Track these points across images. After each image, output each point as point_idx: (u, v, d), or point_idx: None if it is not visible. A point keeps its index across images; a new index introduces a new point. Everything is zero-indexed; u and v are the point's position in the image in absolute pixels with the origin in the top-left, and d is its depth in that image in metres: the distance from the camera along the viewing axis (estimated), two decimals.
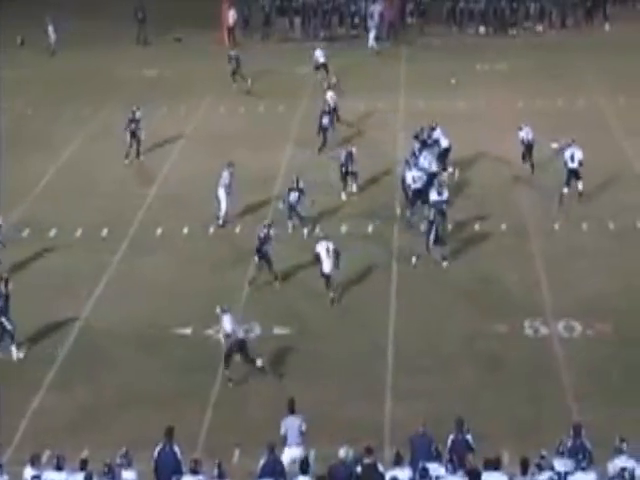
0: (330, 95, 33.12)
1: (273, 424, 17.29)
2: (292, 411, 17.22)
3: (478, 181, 29.21)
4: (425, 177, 26.82)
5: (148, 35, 45.03)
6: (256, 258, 23.70)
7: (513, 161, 30.02)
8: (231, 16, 45.19)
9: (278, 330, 21.88)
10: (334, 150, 30.40)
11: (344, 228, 26.46)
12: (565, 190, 27.24)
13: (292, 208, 26.27)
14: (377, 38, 43.22)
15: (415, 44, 44.00)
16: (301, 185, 26.35)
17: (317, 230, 25.76)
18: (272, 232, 24.04)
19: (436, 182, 26.47)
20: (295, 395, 19.22)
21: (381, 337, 21.48)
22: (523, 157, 29.33)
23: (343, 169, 28.34)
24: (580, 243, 25.43)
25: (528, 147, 29.17)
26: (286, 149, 32.04)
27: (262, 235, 23.69)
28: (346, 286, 23.57)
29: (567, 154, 27.41)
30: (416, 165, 27.13)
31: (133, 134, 31.02)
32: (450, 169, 28.92)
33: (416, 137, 28.84)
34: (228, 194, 26.82)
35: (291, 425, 16.99)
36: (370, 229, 26.42)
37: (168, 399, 19.56)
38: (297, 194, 26.25)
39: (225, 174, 27.02)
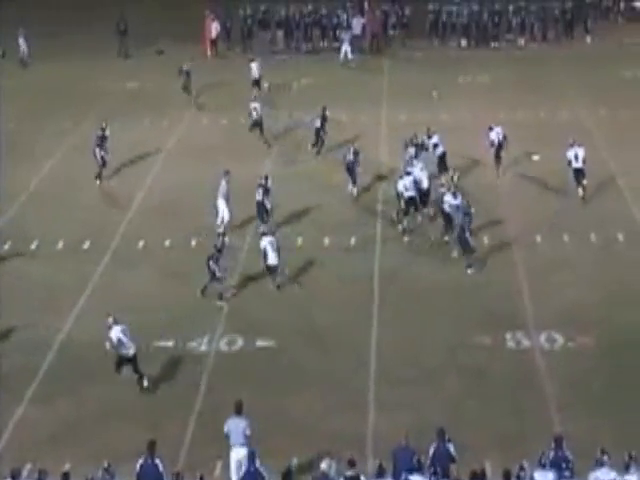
0: (254, 106, 33.17)
1: (255, 436, 17.25)
2: (238, 412, 17.35)
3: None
4: (422, 183, 27.05)
5: (129, 48, 44.99)
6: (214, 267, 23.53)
7: (493, 175, 30.14)
8: (214, 28, 45.26)
9: (261, 342, 21.86)
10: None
11: (327, 241, 26.47)
12: (580, 191, 27.96)
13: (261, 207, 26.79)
14: (352, 50, 43.32)
15: (397, 57, 44.11)
16: (269, 184, 26.97)
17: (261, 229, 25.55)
18: (227, 240, 24.28)
19: (445, 186, 26.51)
20: (278, 407, 19.31)
21: (364, 349, 21.48)
22: (496, 157, 30.22)
23: (349, 166, 28.91)
24: (562, 255, 25.51)
25: (499, 147, 30.13)
26: (268, 160, 32.04)
27: (218, 244, 23.83)
28: (329, 299, 23.57)
29: (570, 154, 28.19)
30: (408, 174, 27.11)
31: (102, 154, 30.44)
32: (451, 171, 28.65)
33: (411, 142, 29.05)
34: (227, 203, 26.77)
35: (235, 427, 17.18)
36: (352, 241, 26.44)
37: (150, 412, 19.50)
38: (262, 190, 26.77)
39: (223, 183, 27.03)
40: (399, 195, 26.92)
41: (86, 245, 26.50)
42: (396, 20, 46.67)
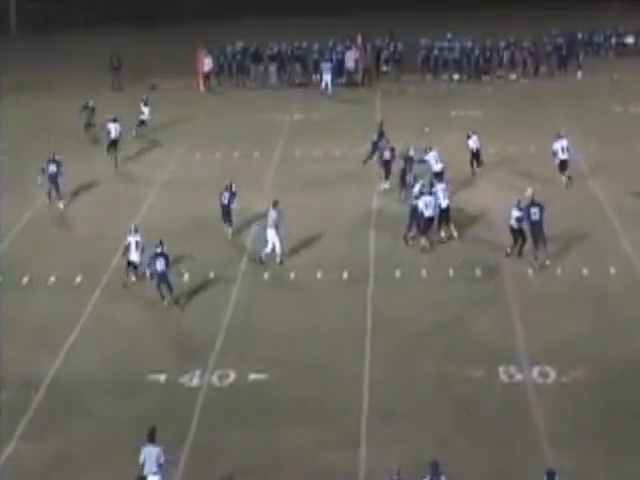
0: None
1: (248, 472, 17.17)
2: (152, 440, 17.53)
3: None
4: (437, 202, 27.71)
5: (123, 82, 45.18)
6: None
7: (485, 207, 30.23)
8: (206, 63, 45.51)
9: (253, 376, 21.78)
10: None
11: (319, 274, 26.47)
12: (564, 178, 31.32)
13: (225, 209, 28.60)
14: (332, 82, 43.89)
15: (390, 91, 44.34)
16: (234, 189, 28.75)
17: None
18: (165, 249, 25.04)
19: (516, 202, 26.98)
20: (271, 442, 19.21)
21: (356, 383, 21.41)
22: (471, 164, 32.67)
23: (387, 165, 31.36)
24: (554, 288, 25.52)
25: (475, 154, 32.76)
26: (261, 194, 32.10)
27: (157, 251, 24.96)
28: (322, 333, 23.54)
29: (557, 146, 31.29)
30: (431, 193, 27.67)
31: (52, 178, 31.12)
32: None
33: (402, 156, 30.88)
34: (277, 232, 27.00)
35: (149, 454, 17.40)
36: (345, 275, 26.43)
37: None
38: (228, 194, 28.54)
39: (272, 214, 27.14)
40: (415, 211, 27.49)
41: (78, 279, 26.46)
42: (389, 55, 46.98)
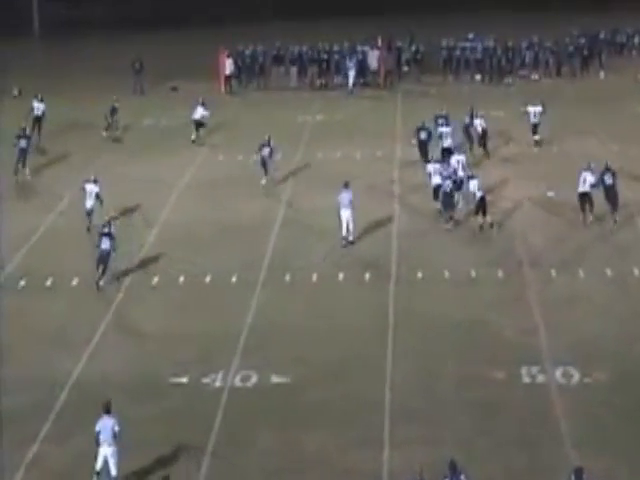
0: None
1: (271, 474, 17.17)
2: (107, 412, 18.27)
3: (473, 228, 29.29)
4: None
5: (145, 85, 45.35)
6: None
7: (509, 209, 30.18)
8: (228, 65, 45.63)
9: (276, 378, 21.78)
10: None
11: (341, 276, 26.47)
12: (536, 137, 35.49)
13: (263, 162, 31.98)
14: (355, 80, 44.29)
15: (411, 92, 44.30)
16: (272, 143, 32.06)
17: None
18: (113, 229, 26.26)
19: (586, 166, 28.89)
20: (294, 443, 19.20)
21: (378, 384, 21.37)
22: (479, 144, 34.54)
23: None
24: (577, 289, 25.42)
25: (483, 134, 34.48)
26: (283, 196, 32.16)
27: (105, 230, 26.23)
28: (344, 334, 23.53)
29: (531, 109, 35.64)
30: (472, 177, 29.11)
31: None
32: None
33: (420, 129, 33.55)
34: (351, 211, 27.78)
35: (105, 425, 18.08)
36: (367, 277, 26.42)
37: (164, 449, 19.38)
38: (269, 149, 31.95)
39: (346, 194, 27.88)
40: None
41: (101, 282, 26.53)
42: (410, 56, 46.94)
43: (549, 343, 22.80)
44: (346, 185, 28.39)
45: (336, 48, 46.65)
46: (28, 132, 34.63)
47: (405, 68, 47.09)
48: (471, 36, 47.39)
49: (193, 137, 37.48)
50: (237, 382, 21.67)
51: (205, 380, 21.69)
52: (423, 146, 33.56)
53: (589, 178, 28.63)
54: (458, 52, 46.64)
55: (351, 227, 28.00)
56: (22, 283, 26.62)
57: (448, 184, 29.17)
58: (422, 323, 23.89)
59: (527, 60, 46.53)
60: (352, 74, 44.52)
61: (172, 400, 21.02)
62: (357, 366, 22.16)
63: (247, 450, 19.36)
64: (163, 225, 30.39)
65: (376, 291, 25.66)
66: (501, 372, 21.63)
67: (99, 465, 18.06)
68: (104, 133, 38.29)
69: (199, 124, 37.55)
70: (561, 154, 34.76)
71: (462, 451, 18.54)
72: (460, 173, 30.11)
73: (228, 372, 21.97)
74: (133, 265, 27.46)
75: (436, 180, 29.83)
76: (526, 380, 21.42)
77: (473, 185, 28.91)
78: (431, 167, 30.36)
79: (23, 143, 33.75)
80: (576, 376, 21.45)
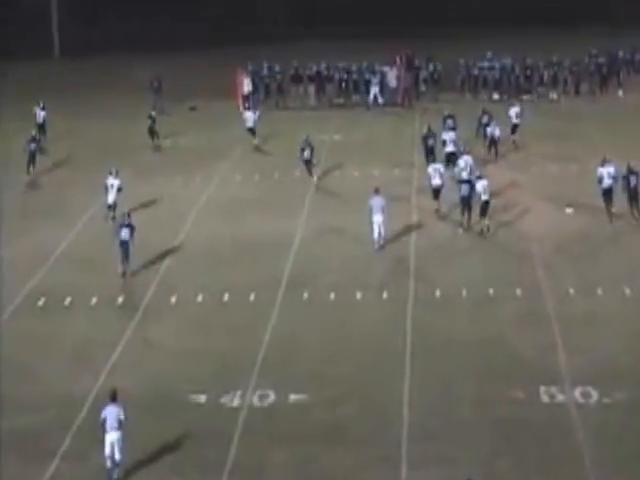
0: None
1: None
2: (114, 400, 19.07)
3: (491, 245, 29.28)
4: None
5: (164, 104, 45.57)
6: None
7: (527, 226, 30.15)
8: (246, 84, 45.80)
9: (294, 396, 21.77)
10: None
11: (359, 294, 26.47)
12: (514, 137, 37.56)
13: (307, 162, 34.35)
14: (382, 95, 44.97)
15: (429, 111, 44.32)
16: (313, 143, 34.28)
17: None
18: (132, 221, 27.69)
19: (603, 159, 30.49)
20: (311, 461, 19.17)
21: (396, 403, 21.34)
22: (489, 149, 36.23)
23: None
24: (596, 308, 25.33)
25: (493, 141, 36.16)
26: (301, 215, 32.22)
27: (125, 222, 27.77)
28: (362, 353, 23.51)
29: (512, 112, 37.75)
30: (480, 177, 29.91)
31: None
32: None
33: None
34: (383, 217, 28.70)
35: (110, 413, 18.86)
36: (385, 295, 26.41)
37: (182, 467, 19.43)
38: (309, 150, 34.15)
39: (378, 200, 28.81)
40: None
41: (119, 300, 26.65)
42: (428, 75, 47.00)
43: (568, 362, 22.70)
44: (377, 191, 29.31)
45: (354, 67, 46.77)
46: (37, 136, 37.31)
47: (422, 87, 47.15)
48: (489, 55, 47.42)
49: (256, 142, 39.15)
50: (255, 400, 21.68)
51: (223, 398, 21.70)
52: (430, 152, 34.72)
53: (607, 171, 29.80)
54: (476, 71, 46.67)
55: (382, 232, 28.77)
56: (41, 302, 26.74)
57: (466, 188, 29.79)
58: (440, 342, 23.84)
59: (545, 79, 46.49)
60: (375, 90, 44.86)
61: (190, 418, 21.04)
62: (375, 385, 22.13)
63: (265, 468, 19.34)
64: (182, 243, 30.47)
65: (394, 310, 25.63)
66: (520, 391, 21.55)
67: (107, 451, 18.80)
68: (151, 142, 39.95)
69: (252, 130, 39.20)
70: (580, 173, 34.68)
71: (480, 471, 18.50)
72: (464, 175, 31.02)
73: (246, 390, 21.97)
74: (152, 283, 27.55)
75: (436, 181, 30.91)
76: (545, 399, 21.33)
77: (481, 186, 29.42)
78: (432, 168, 31.41)
79: (32, 147, 36.42)
80: (595, 396, 21.35)
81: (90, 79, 52.92)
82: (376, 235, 28.77)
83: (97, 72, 54.41)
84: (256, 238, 30.07)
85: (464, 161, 31.77)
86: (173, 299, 26.62)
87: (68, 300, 26.74)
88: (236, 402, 21.62)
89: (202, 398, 21.80)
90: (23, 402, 21.73)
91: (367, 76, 46.07)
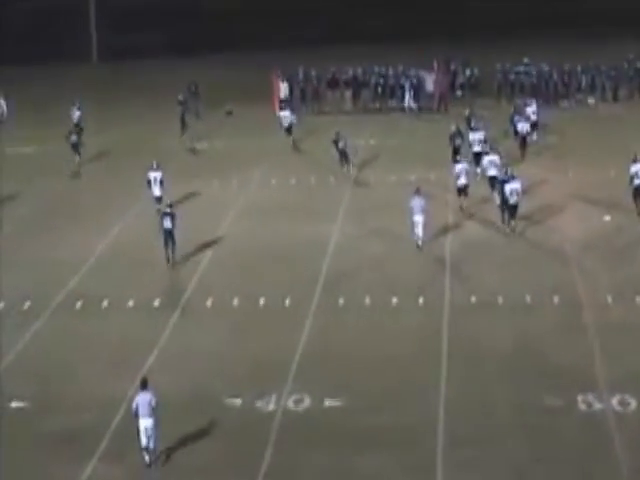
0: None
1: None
2: (144, 387, 19.69)
3: (528, 249, 29.15)
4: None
5: (200, 108, 45.76)
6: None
7: (564, 230, 30.00)
8: (282, 89, 45.89)
9: (329, 401, 21.77)
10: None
11: (395, 300, 26.43)
12: (533, 135, 38.20)
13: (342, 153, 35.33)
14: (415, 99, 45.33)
15: (464, 116, 44.12)
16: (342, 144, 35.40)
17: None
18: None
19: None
20: (347, 467, 19.17)
21: (432, 409, 21.29)
22: (521, 147, 36.98)
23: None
24: (634, 316, 25.13)
25: (523, 138, 36.96)
26: (337, 219, 32.24)
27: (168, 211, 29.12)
28: (397, 358, 23.48)
29: (529, 110, 38.56)
30: (514, 177, 30.23)
31: None
32: None
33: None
34: (423, 217, 29.10)
35: (142, 400, 19.48)
36: (421, 301, 26.36)
37: (217, 470, 19.51)
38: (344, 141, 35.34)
39: (418, 200, 29.21)
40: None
41: (156, 303, 26.79)
42: (465, 80, 46.87)
43: (605, 370, 22.55)
44: (417, 191, 29.67)
45: (391, 71, 46.74)
46: (75, 130, 39.79)
47: (459, 92, 47.01)
48: (526, 60, 47.21)
49: (291, 140, 40.09)
50: (290, 404, 21.71)
51: (258, 402, 21.75)
52: (456, 150, 35.17)
53: (637, 170, 30.24)
54: (513, 76, 46.50)
55: (420, 232, 29.03)
56: (79, 304, 26.93)
57: (499, 188, 30.41)
58: (476, 349, 23.75)
59: (583, 84, 46.22)
60: (408, 95, 44.92)
61: (226, 421, 21.10)
62: (410, 390, 22.09)
63: (300, 473, 19.37)
64: (218, 247, 30.58)
65: (430, 316, 25.57)
66: (557, 399, 21.43)
67: (143, 436, 19.40)
68: (181, 136, 40.84)
69: (289, 130, 40.12)
70: (617, 179, 34.41)
71: (516, 478, 18.41)
72: (492, 172, 31.74)
73: (281, 394, 22.01)
74: (189, 285, 27.68)
75: (462, 181, 31.46)
76: (582, 407, 21.20)
77: (509, 189, 29.65)
78: (459, 167, 31.72)
79: (74, 138, 38.44)
80: (633, 404, 21.19)
81: (128, 83, 53.28)
82: (418, 234, 29.06)
83: (134, 77, 54.79)
84: (292, 242, 30.13)
85: (488, 161, 32.33)
86: (209, 302, 26.72)
87: (106, 302, 26.92)
88: (271, 406, 21.66)
89: (237, 402, 21.86)
90: (62, 403, 21.93)
91: (402, 81, 46.04)
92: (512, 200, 29.64)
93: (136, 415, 19.45)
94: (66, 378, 23.00)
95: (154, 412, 19.40)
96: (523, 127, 37.12)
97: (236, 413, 21.50)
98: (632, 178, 30.76)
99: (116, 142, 41.85)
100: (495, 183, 31.55)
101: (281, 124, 40.28)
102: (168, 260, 28.78)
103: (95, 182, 36.96)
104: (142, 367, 23.40)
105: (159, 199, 32.43)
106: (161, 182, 32.53)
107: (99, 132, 43.23)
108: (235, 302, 26.69)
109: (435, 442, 20.12)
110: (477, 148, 35.02)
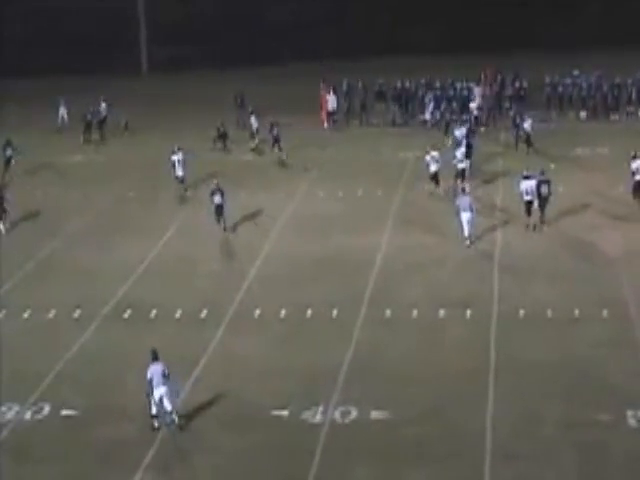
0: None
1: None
2: (155, 359, 21.17)
3: (578, 265, 28.90)
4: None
5: (247, 119, 45.94)
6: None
7: (613, 243, 29.73)
8: (331, 101, 45.96)
9: (375, 413, 21.70)
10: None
11: (442, 312, 26.32)
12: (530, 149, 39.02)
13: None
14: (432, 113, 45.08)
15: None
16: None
17: None
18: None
19: None
20: (393, 479, 19.07)
21: (479, 423, 21.14)
22: (527, 144, 38.95)
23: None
24: None
25: (528, 137, 39.11)
26: (384, 232, 32.19)
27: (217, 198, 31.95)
28: (444, 371, 23.36)
29: (526, 125, 39.71)
30: (527, 177, 30.95)
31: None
32: None
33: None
34: (471, 214, 29.91)
35: (155, 370, 20.96)
36: (468, 314, 26.22)
37: None
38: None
39: (466, 199, 30.13)
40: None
41: (203, 314, 26.89)
42: (513, 92, 46.61)
43: None
44: (463, 190, 31.12)
45: (437, 84, 46.64)
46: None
47: (506, 104, 46.77)
48: (576, 72, 46.88)
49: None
50: (337, 416, 21.66)
51: (305, 414, 21.72)
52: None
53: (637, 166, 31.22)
54: (561, 88, 46.21)
55: (467, 231, 29.85)
56: (127, 314, 27.12)
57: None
58: (524, 363, 23.56)
59: (633, 96, 45.79)
60: (430, 107, 44.95)
61: (272, 433, 21.10)
62: (457, 404, 21.96)
63: None
64: (265, 258, 30.66)
65: (477, 329, 25.43)
66: (606, 414, 21.18)
67: (157, 402, 20.82)
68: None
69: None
70: None
71: None
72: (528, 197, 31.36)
73: (328, 406, 21.98)
74: (236, 297, 27.76)
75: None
76: (632, 423, 20.93)
77: (525, 185, 30.74)
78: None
79: (101, 112, 43.92)
80: None
81: (176, 96, 53.68)
82: (466, 232, 29.65)
83: (182, 89, 55.19)
84: (339, 254, 30.13)
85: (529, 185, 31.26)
86: (256, 313, 26.78)
87: (153, 312, 27.08)
88: (318, 418, 21.62)
89: (284, 413, 21.85)
90: (109, 413, 22.05)
91: (451, 93, 45.85)
92: (527, 197, 30.70)
93: (151, 386, 20.90)
94: (114, 387, 23.14)
95: (167, 380, 20.92)
96: (529, 125, 39.62)
97: (282, 425, 21.49)
98: (633, 174, 32.02)
99: (164, 154, 42.09)
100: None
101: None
102: (224, 229, 32.05)
103: (142, 195, 37.18)
104: (189, 378, 23.50)
105: (182, 180, 35.57)
106: (183, 162, 35.22)
107: (146, 144, 43.61)
108: (282, 314, 26.72)
109: (482, 456, 19.97)
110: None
